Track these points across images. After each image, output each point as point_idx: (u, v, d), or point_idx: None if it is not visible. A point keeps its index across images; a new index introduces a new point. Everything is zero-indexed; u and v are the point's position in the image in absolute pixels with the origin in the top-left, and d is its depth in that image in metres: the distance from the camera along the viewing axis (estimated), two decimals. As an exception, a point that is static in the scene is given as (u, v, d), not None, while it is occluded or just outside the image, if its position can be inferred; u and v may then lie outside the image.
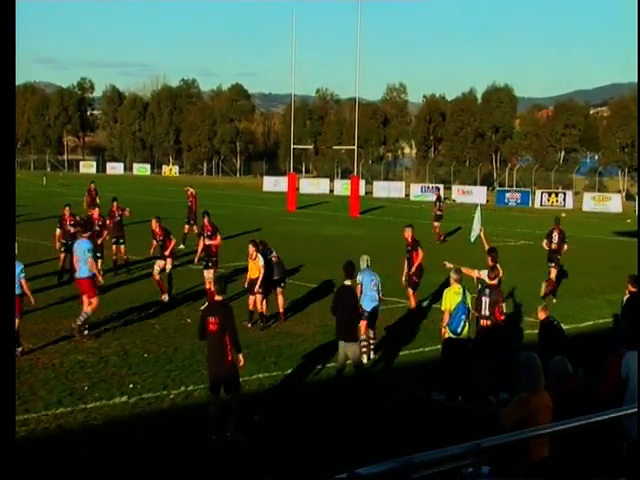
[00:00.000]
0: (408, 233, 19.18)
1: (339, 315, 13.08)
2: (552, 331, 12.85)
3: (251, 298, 17.73)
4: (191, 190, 32.12)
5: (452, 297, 13.00)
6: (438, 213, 35.37)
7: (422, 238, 19.05)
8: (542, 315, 13.07)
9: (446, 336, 13.10)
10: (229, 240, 30.42)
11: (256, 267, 17.57)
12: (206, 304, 12.98)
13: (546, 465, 7.55)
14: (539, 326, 13.24)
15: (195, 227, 29.49)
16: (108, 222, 23.31)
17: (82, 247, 16.63)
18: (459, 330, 12.88)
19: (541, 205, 61.70)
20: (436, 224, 35.10)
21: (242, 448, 10.59)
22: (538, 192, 64.29)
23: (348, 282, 13.36)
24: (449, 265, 13.80)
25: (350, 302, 13.18)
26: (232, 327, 11.09)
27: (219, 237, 20.10)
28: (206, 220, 20.30)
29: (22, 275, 14.69)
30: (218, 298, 11.49)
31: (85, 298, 16.33)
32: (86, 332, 16.12)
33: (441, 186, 68.73)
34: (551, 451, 7.60)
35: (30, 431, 10.99)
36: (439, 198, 37.19)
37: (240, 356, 11.30)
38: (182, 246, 27.97)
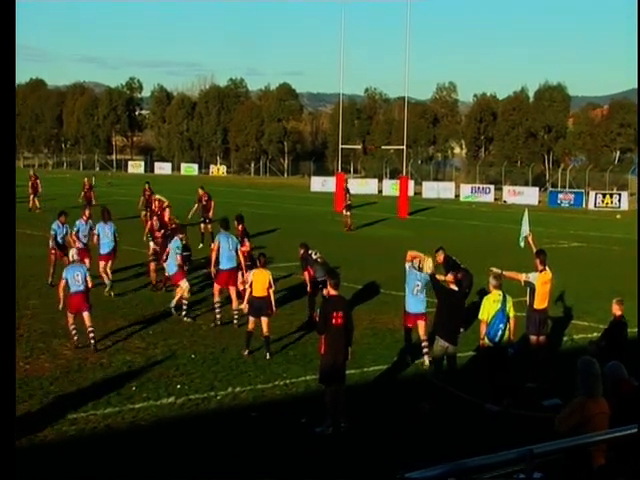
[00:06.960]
0: (440, 257, 16.63)
1: (449, 320, 12.81)
2: (621, 331, 12.52)
3: (251, 320, 15.14)
4: (203, 191, 31.11)
5: (490, 306, 12.77)
6: (348, 203, 38.10)
7: (473, 240, 18.73)
8: (618, 311, 12.68)
9: (485, 345, 12.88)
10: (274, 239, 30.48)
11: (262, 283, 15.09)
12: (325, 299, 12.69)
13: (603, 474, 7.29)
14: (611, 321, 12.82)
15: (210, 226, 29.45)
16: (159, 234, 21.38)
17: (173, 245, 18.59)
18: (497, 339, 12.69)
19: (595, 206, 60.54)
20: (347, 213, 37.84)
21: (297, 448, 10.52)
22: (592, 193, 63.06)
23: (455, 287, 13.14)
24: (496, 270, 13.53)
25: (458, 308, 13.00)
26: (352, 322, 11.65)
27: (248, 244, 19.25)
28: (236, 223, 19.76)
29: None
30: (334, 292, 11.62)
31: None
32: (184, 313, 17.71)
33: (492, 187, 68.01)
34: (608, 459, 7.35)
35: (79, 430, 11.06)
36: (347, 189, 39.40)
37: (350, 349, 11.64)
38: (201, 245, 27.99)
